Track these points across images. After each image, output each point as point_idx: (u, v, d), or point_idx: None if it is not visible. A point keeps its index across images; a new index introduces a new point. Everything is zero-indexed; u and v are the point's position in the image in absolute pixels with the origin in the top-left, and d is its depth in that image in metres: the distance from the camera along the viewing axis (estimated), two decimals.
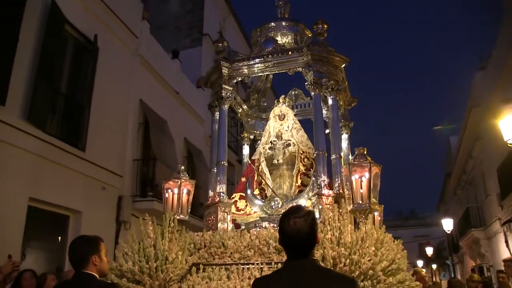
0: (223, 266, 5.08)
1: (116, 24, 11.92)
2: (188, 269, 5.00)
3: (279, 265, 4.77)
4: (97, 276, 3.47)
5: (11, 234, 7.90)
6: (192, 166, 14.78)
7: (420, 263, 36.48)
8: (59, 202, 9.31)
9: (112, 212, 11.12)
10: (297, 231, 2.55)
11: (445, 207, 36.85)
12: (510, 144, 8.05)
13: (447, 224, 23.91)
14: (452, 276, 30.71)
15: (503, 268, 8.87)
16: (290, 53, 6.60)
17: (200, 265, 5.04)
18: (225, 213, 6.10)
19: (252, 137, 8.09)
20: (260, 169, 6.98)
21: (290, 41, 7.26)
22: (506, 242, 16.63)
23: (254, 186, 6.95)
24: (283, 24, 7.34)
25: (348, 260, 4.28)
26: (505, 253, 16.26)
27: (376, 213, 6.63)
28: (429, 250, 34.15)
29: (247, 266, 4.97)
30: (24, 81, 8.40)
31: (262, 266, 4.89)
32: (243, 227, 6.46)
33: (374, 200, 5.48)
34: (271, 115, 7.28)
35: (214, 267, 5.04)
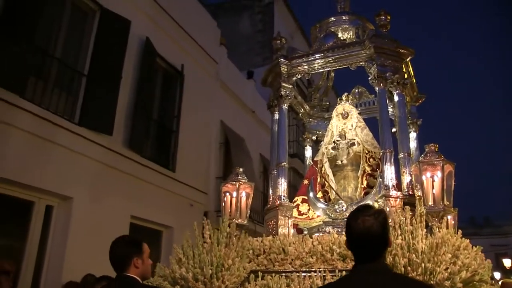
0: (283, 274, 4.74)
1: (198, 52, 12.69)
2: (246, 276, 4.69)
3: (344, 273, 4.41)
4: (139, 280, 3.25)
5: None
6: (267, 180, 14.97)
7: (497, 275, 34.63)
8: (154, 218, 10.08)
9: (199, 227, 11.53)
10: (367, 230, 2.31)
11: None
12: None
13: None
14: None
15: None
16: (351, 47, 6.23)
17: (259, 273, 4.72)
18: (286, 217, 5.78)
19: (314, 138, 7.76)
20: (323, 171, 6.62)
21: (352, 36, 6.95)
22: None
23: (317, 188, 6.58)
24: (344, 18, 7.02)
25: (420, 268, 3.82)
26: None
27: (449, 217, 6.12)
28: (507, 262, 32.28)
29: (309, 274, 4.60)
30: (124, 112, 9.28)
31: (325, 274, 4.52)
32: (305, 232, 6.13)
33: (448, 202, 4.97)
34: (334, 113, 6.91)
35: (273, 274, 4.70)
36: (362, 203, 5.75)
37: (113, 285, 3.34)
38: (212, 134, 13.24)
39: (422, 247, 3.94)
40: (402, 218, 4.26)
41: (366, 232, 2.32)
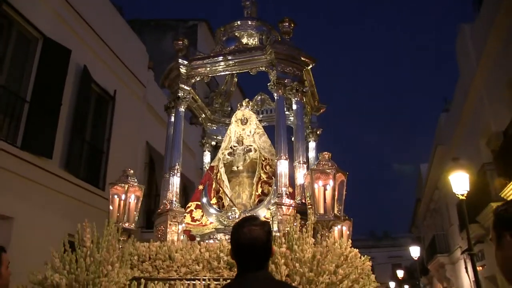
0: (167, 282, 4.51)
1: (129, 77, 13.34)
2: (127, 284, 4.40)
3: (228, 282, 4.24)
4: None
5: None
6: (186, 198, 15.37)
7: (392, 284, 36.31)
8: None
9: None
10: (253, 240, 2.36)
11: (417, 230, 37.06)
12: (458, 194, 10.43)
13: (414, 251, 26.59)
14: None
15: None
16: (252, 51, 6.14)
17: (142, 280, 4.45)
18: (176, 223, 5.54)
19: (213, 143, 7.57)
20: (218, 176, 6.43)
21: (257, 42, 6.80)
22: (466, 268, 17.50)
23: (212, 194, 6.40)
24: (249, 23, 6.90)
25: (304, 278, 3.71)
26: (466, 279, 17.72)
27: (344, 228, 6.14)
28: (400, 273, 34.79)
29: (193, 282, 4.39)
30: (62, 136, 9.79)
31: (209, 282, 4.33)
32: (198, 239, 5.90)
33: (338, 211, 4.93)
34: (233, 119, 6.78)
35: (156, 282, 4.46)
36: (255, 210, 5.65)
37: None
38: (138, 154, 13.78)
39: (306, 257, 3.84)
40: (288, 226, 4.16)
41: (253, 242, 2.35)
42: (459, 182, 10.56)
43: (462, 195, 10.42)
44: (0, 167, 7.80)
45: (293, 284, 3.66)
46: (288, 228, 4.20)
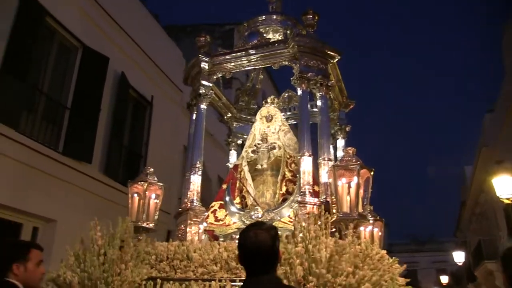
0: (183, 282, 4.36)
1: (165, 82, 13.64)
2: (143, 283, 4.27)
3: None
4: (20, 286, 2.97)
5: None
6: None
7: None
8: None
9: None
10: (259, 243, 2.39)
11: (462, 234, 35.75)
12: (502, 199, 10.16)
13: (458, 257, 25.65)
14: None
15: None
16: (275, 45, 5.96)
17: (158, 280, 4.32)
18: (197, 222, 5.39)
19: (240, 142, 7.41)
20: (241, 175, 6.25)
21: (282, 37, 6.61)
22: None
23: (236, 193, 6.22)
24: (274, 17, 6.73)
25: (320, 279, 3.47)
26: None
27: (376, 229, 5.89)
28: (444, 279, 33.29)
29: (209, 283, 4.22)
30: (101, 141, 10.08)
31: (225, 283, 4.15)
32: (221, 239, 5.74)
33: (363, 210, 4.68)
34: (258, 116, 6.61)
35: (172, 282, 4.32)
36: (279, 209, 5.46)
37: None
38: (175, 157, 13.81)
39: (324, 256, 3.60)
40: (304, 224, 3.93)
41: (258, 245, 2.38)
42: (504, 186, 10.27)
43: (508, 199, 10.12)
44: (43, 171, 8.07)
45: (308, 286, 3.45)
46: (304, 227, 3.96)
